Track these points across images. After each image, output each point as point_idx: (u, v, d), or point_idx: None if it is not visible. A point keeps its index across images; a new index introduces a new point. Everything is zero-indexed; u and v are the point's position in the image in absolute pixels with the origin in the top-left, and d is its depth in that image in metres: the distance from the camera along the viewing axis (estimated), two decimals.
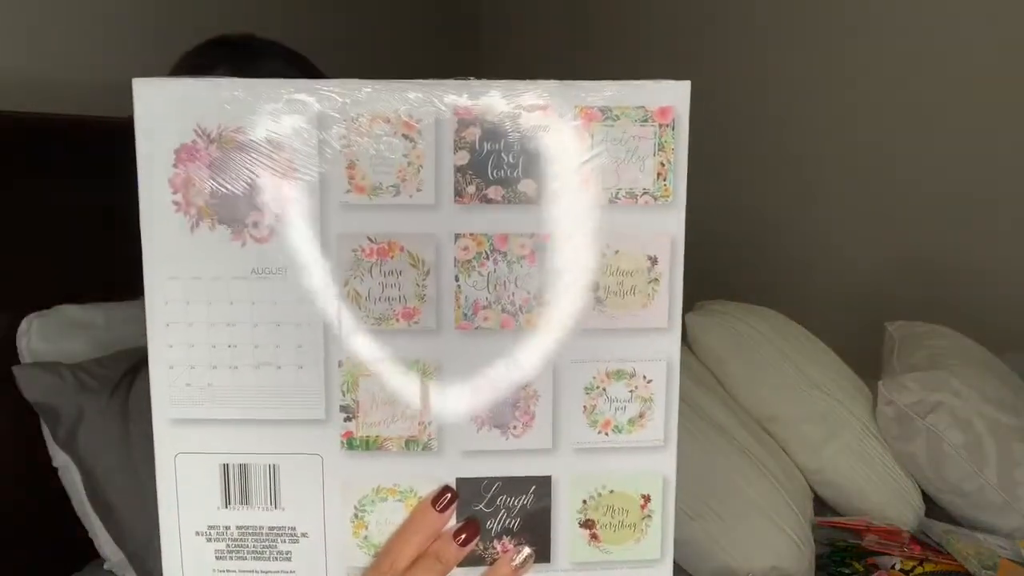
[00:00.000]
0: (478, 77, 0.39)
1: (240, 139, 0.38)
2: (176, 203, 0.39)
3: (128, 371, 0.89)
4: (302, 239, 0.39)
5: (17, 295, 0.95)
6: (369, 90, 0.38)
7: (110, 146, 1.05)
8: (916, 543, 1.11)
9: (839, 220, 2.14)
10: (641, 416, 0.43)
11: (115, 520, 0.90)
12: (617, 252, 0.41)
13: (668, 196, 0.41)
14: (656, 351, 0.42)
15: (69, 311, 0.97)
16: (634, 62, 2.25)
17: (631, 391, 0.43)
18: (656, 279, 0.41)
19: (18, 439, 0.95)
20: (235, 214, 0.39)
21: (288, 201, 0.39)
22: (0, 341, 0.93)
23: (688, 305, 0.40)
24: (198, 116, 0.38)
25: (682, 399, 1.12)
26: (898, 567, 1.04)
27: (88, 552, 0.98)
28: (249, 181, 0.39)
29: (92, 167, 1.04)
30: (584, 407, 0.42)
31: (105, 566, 0.97)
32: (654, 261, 0.41)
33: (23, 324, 0.94)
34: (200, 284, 0.39)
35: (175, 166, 0.38)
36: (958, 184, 1.98)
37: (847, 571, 1.08)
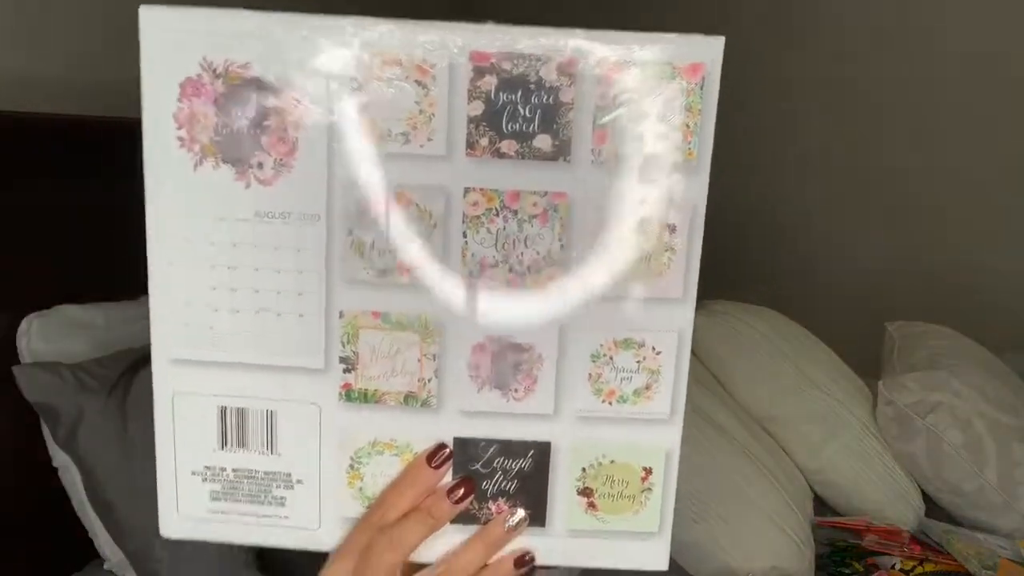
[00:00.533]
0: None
1: (247, 75, 0.37)
2: (180, 139, 0.37)
3: (127, 370, 0.89)
4: (307, 184, 0.38)
5: (17, 295, 0.95)
6: (383, 30, 0.36)
7: (110, 146, 1.05)
8: (916, 543, 1.11)
9: (839, 220, 2.14)
10: (647, 388, 0.42)
11: (115, 520, 0.90)
12: (633, 217, 0.39)
13: (692, 159, 0.38)
14: (668, 322, 0.41)
15: (69, 311, 0.97)
16: None
17: (639, 362, 0.41)
18: (672, 248, 0.39)
19: (18, 439, 0.95)
20: (240, 154, 0.37)
21: (294, 144, 0.37)
22: (0, 341, 0.93)
23: None
24: (204, 49, 0.36)
25: None
26: (898, 567, 1.04)
27: (88, 552, 0.98)
28: (255, 120, 0.37)
29: (92, 167, 1.04)
30: (589, 375, 0.41)
31: (105, 566, 0.97)
32: (672, 229, 0.39)
33: (23, 324, 0.94)
34: (202, 224, 0.38)
35: (180, 100, 0.37)
36: (958, 184, 1.98)
37: (847, 571, 1.08)
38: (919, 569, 1.03)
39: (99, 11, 1.20)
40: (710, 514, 1.09)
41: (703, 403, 1.21)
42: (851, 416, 1.26)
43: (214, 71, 0.37)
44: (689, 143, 0.38)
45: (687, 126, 0.38)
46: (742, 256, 2.17)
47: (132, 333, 0.97)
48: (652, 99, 0.37)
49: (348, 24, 0.36)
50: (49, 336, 0.94)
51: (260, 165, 0.38)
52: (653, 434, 0.42)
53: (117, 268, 1.04)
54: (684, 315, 0.41)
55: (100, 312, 0.99)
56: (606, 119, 0.37)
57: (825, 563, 1.11)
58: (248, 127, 0.37)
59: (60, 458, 0.94)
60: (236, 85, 0.37)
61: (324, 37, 0.36)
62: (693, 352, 1.48)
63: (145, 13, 0.37)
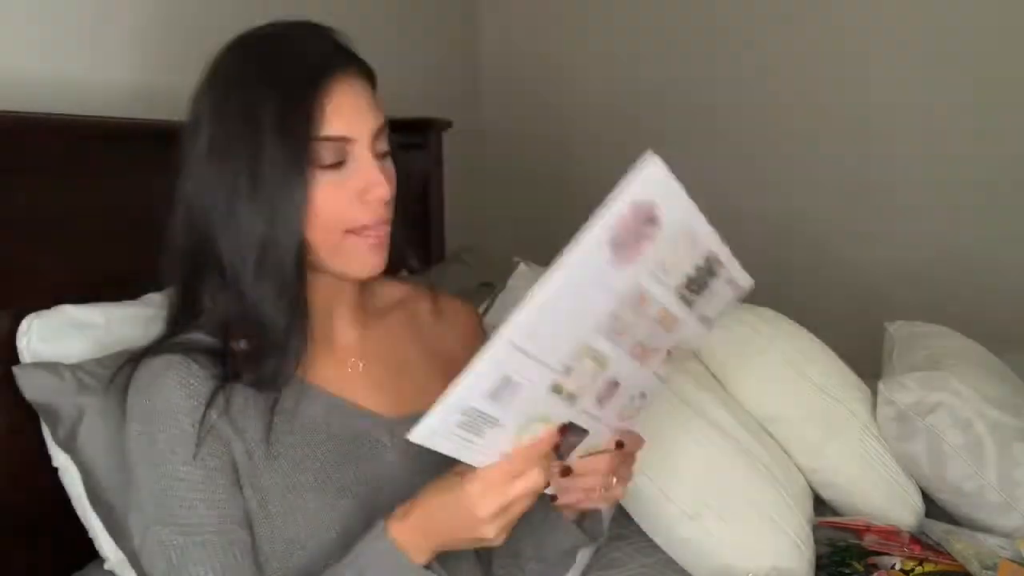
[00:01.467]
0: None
1: (657, 230, 0.58)
2: (607, 241, 0.56)
3: (126, 363, 0.88)
4: (641, 286, 0.61)
5: (17, 295, 0.95)
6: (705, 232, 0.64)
7: (110, 146, 1.05)
8: (916, 543, 1.11)
9: (839, 220, 2.14)
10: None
11: (115, 520, 0.90)
12: (688, 339, 0.70)
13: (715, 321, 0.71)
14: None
15: (69, 311, 0.96)
16: (632, 61, 2.24)
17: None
18: (690, 352, 0.75)
19: (18, 439, 0.95)
20: (629, 262, 0.58)
21: (651, 265, 0.61)
22: (0, 341, 0.93)
23: None
24: (657, 200, 0.57)
25: (682, 399, 1.16)
26: (898, 567, 1.04)
27: (88, 552, 0.98)
28: (645, 250, 0.58)
29: (92, 167, 1.05)
30: (624, 405, 0.70)
31: (105, 566, 0.97)
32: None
33: (23, 324, 0.94)
34: (579, 289, 0.58)
35: (622, 218, 0.56)
36: (958, 185, 1.98)
37: (847, 571, 1.08)
38: (919, 569, 1.04)
39: (101, 11, 1.20)
40: (710, 514, 1.09)
41: (703, 403, 1.21)
42: (851, 416, 1.26)
43: (651, 215, 0.57)
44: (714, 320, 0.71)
45: (721, 313, 0.71)
46: (741, 257, 2.17)
47: (132, 333, 0.96)
48: (729, 300, 0.71)
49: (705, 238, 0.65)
50: (49, 336, 0.94)
51: (635, 275, 0.60)
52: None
53: (118, 268, 1.04)
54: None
55: (100, 312, 0.99)
56: (717, 309, 0.70)
57: (825, 563, 1.11)
58: (642, 250, 0.58)
59: (60, 458, 0.94)
60: (650, 230, 0.58)
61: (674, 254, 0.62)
62: (693, 352, 1.47)
63: (651, 159, 0.56)
